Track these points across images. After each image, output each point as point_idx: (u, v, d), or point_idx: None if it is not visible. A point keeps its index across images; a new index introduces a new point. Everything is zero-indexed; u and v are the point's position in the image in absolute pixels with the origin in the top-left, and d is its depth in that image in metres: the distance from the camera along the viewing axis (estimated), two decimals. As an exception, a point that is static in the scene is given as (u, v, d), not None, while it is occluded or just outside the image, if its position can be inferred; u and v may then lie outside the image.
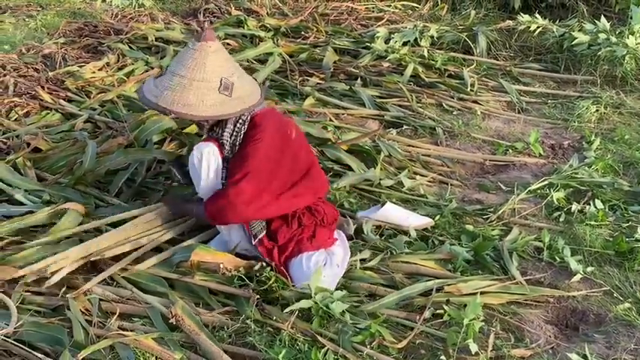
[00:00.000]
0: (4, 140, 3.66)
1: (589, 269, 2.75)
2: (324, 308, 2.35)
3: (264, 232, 2.63)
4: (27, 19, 6.58)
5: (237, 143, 2.58)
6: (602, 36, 4.90)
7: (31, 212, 2.89)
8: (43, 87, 4.39)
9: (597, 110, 4.39)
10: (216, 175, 2.58)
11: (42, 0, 7.43)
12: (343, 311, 2.34)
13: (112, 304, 2.42)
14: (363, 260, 2.73)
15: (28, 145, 3.54)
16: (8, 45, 5.56)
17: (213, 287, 2.51)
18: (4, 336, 2.16)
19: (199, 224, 2.82)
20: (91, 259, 2.57)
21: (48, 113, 4.09)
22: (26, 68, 4.74)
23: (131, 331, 2.28)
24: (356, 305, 2.45)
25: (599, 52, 4.86)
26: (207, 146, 2.56)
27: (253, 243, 2.62)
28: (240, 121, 2.57)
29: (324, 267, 2.55)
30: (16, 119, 3.96)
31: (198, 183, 2.60)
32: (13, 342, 2.16)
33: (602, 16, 5.30)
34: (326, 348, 2.19)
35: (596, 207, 3.15)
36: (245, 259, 2.64)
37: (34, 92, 4.29)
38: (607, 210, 3.17)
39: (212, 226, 2.77)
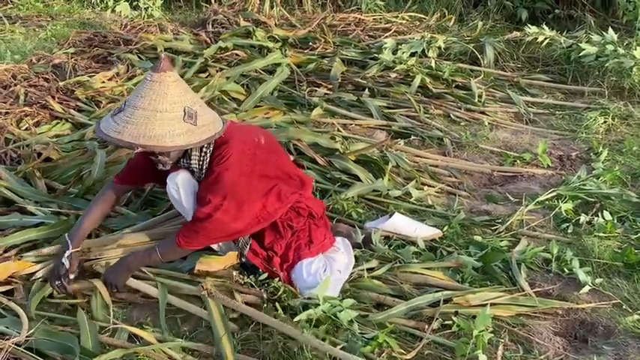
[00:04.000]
0: (15, 150, 3.69)
1: (598, 281, 2.74)
2: (332, 317, 2.36)
3: (249, 246, 2.63)
4: (37, 29, 6.65)
5: (206, 166, 2.55)
6: (610, 47, 4.91)
7: (42, 223, 2.91)
8: (53, 97, 4.43)
9: (605, 121, 4.39)
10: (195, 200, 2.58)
11: (52, 10, 7.51)
12: (351, 320, 2.35)
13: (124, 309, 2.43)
14: (370, 270, 2.74)
15: (39, 155, 3.57)
16: (19, 55, 5.61)
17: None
18: (15, 344, 2.17)
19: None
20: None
21: (58, 123, 4.13)
22: (37, 78, 4.78)
23: (142, 339, 2.29)
24: (364, 315, 2.45)
25: (607, 64, 4.86)
26: (177, 174, 2.55)
27: (244, 260, 2.63)
28: (205, 145, 2.52)
29: (324, 273, 2.56)
30: (26, 129, 3.99)
31: (186, 212, 2.58)
32: (23, 350, 2.17)
33: (610, 27, 5.32)
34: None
35: (604, 218, 3.15)
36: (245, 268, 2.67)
37: (44, 102, 4.33)
38: (615, 221, 3.16)
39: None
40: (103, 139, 2.47)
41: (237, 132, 2.60)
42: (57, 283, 2.50)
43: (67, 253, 2.52)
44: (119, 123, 2.37)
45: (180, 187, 2.54)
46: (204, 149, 2.53)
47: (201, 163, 2.55)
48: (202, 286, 2.43)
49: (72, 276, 2.52)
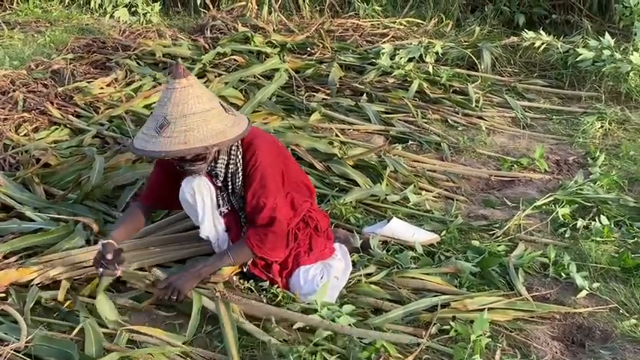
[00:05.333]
0: (14, 155, 3.70)
1: (595, 285, 2.75)
2: (330, 322, 2.36)
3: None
4: (36, 35, 6.67)
5: (239, 170, 2.56)
6: (607, 52, 4.93)
7: (41, 229, 2.92)
8: (52, 102, 4.44)
9: (602, 126, 4.41)
10: (212, 205, 2.58)
11: (50, 16, 7.53)
12: (349, 326, 2.36)
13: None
14: (368, 275, 2.75)
15: (38, 160, 3.58)
16: (17, 61, 5.63)
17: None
18: (15, 350, 2.17)
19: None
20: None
21: (57, 128, 4.14)
22: (35, 84, 4.79)
23: (141, 344, 2.30)
24: (361, 320, 2.45)
25: (604, 69, 4.88)
26: (195, 179, 2.54)
27: (245, 270, 2.63)
28: (234, 148, 2.54)
29: (321, 280, 2.57)
30: (25, 134, 4.00)
31: (197, 217, 2.59)
32: (22, 357, 2.17)
33: (607, 32, 5.33)
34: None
35: (601, 223, 3.16)
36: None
37: (43, 108, 4.34)
38: (612, 226, 3.17)
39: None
40: (165, 157, 2.40)
41: (255, 132, 2.62)
42: (100, 270, 2.46)
43: (101, 242, 2.50)
44: (176, 135, 2.34)
45: (196, 191, 2.54)
46: (232, 152, 2.54)
47: (231, 167, 2.55)
48: (215, 289, 2.45)
49: (119, 268, 2.46)
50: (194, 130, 2.35)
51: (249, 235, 2.52)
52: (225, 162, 2.55)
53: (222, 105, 2.48)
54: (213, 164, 2.55)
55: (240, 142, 2.53)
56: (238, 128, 2.44)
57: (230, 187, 2.59)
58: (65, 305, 2.52)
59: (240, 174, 2.56)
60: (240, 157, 2.55)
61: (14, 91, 4.59)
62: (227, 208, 2.63)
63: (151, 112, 2.60)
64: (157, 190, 2.70)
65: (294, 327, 2.37)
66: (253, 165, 2.52)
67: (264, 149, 2.56)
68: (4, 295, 2.54)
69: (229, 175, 2.57)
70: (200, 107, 2.38)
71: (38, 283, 2.59)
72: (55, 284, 2.62)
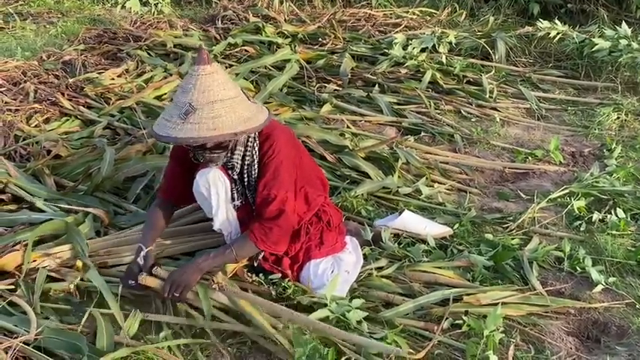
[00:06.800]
0: (25, 147, 3.70)
1: (611, 280, 2.70)
2: (341, 317, 2.34)
3: (262, 252, 2.59)
4: (47, 26, 6.67)
5: (255, 162, 2.52)
6: (623, 42, 4.85)
7: (51, 219, 2.91)
8: (63, 93, 4.44)
9: (618, 117, 4.34)
10: (226, 198, 2.56)
11: (62, 7, 7.53)
12: (360, 320, 2.33)
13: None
14: (379, 268, 2.72)
15: (48, 152, 3.57)
16: (29, 52, 5.63)
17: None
18: (24, 342, 2.16)
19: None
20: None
21: (67, 120, 4.13)
22: (47, 75, 4.79)
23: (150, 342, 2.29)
24: (372, 317, 2.41)
25: (620, 59, 4.80)
26: (210, 171, 2.51)
27: (255, 264, 2.60)
28: (250, 139, 2.52)
29: (331, 274, 2.54)
30: (36, 125, 4.00)
31: (210, 210, 2.56)
32: (32, 349, 2.17)
33: (623, 22, 5.25)
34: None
35: (617, 216, 3.10)
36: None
37: (54, 99, 4.34)
38: (629, 219, 3.12)
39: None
40: (192, 144, 2.34)
41: (273, 124, 2.57)
42: (131, 282, 2.45)
43: (143, 252, 2.50)
44: (204, 122, 2.29)
45: (210, 184, 2.51)
46: (249, 144, 2.51)
47: (244, 158, 2.52)
48: (213, 280, 2.42)
49: (143, 275, 2.46)
50: (222, 116, 2.31)
51: (254, 228, 2.48)
52: (242, 154, 2.52)
53: (244, 93, 2.46)
54: (229, 155, 2.51)
55: (257, 133, 2.50)
56: (262, 116, 2.42)
57: (245, 180, 2.56)
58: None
59: (256, 166, 2.53)
60: (256, 148, 2.52)
61: (25, 82, 4.60)
62: (241, 202, 2.61)
63: (171, 99, 2.55)
64: (173, 182, 2.66)
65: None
66: (270, 156, 2.49)
67: (282, 141, 2.52)
68: (13, 286, 2.53)
69: (245, 167, 2.54)
70: (226, 94, 2.34)
71: (46, 267, 2.59)
72: (64, 275, 2.61)
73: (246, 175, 2.55)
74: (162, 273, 2.48)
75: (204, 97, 2.31)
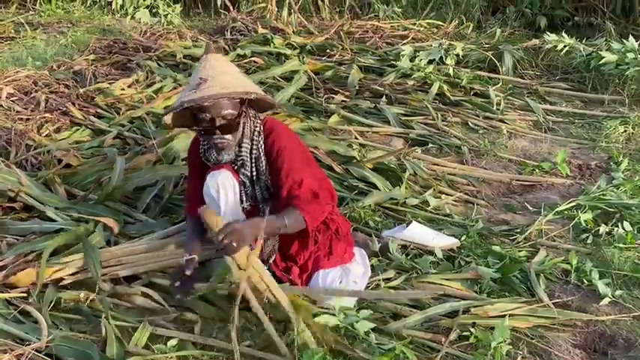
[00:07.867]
0: (36, 156, 3.73)
1: (617, 293, 2.71)
2: (349, 327, 2.35)
3: (274, 256, 2.62)
4: (58, 36, 6.73)
5: (261, 155, 2.59)
6: (630, 55, 4.86)
7: (62, 229, 2.94)
8: (73, 103, 4.48)
9: (625, 130, 4.34)
10: (235, 201, 2.59)
11: (72, 17, 7.60)
12: (368, 331, 2.34)
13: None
14: (387, 279, 2.73)
15: (59, 161, 3.61)
16: (40, 61, 5.69)
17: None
18: (35, 350, 2.19)
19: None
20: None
21: (78, 129, 4.17)
22: (57, 84, 4.84)
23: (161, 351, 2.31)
24: (380, 329, 2.42)
25: (627, 72, 4.82)
26: (220, 174, 2.56)
27: (267, 266, 2.61)
28: (256, 133, 2.58)
29: (339, 284, 2.56)
30: (47, 135, 4.04)
31: (219, 211, 2.57)
32: (43, 357, 2.19)
33: (630, 35, 5.27)
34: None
35: (624, 229, 3.11)
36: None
37: (64, 108, 4.38)
38: (635, 232, 3.12)
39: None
40: (205, 104, 2.39)
41: (273, 121, 2.68)
42: (183, 290, 2.49)
43: (185, 257, 2.56)
44: (216, 85, 2.43)
45: (220, 186, 2.55)
46: (254, 138, 2.58)
47: (252, 152, 2.59)
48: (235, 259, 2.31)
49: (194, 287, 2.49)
50: (233, 81, 2.48)
51: (304, 210, 2.45)
52: (249, 147, 2.58)
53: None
54: (238, 151, 2.57)
55: (262, 127, 2.60)
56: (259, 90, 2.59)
57: (255, 175, 2.61)
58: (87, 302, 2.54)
59: (263, 159, 2.59)
60: (262, 142, 2.59)
61: (36, 91, 4.65)
62: (249, 204, 2.64)
63: (187, 83, 2.72)
64: (196, 197, 2.65)
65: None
66: (278, 148, 2.56)
67: (286, 133, 2.63)
68: (25, 295, 2.56)
69: (253, 161, 2.60)
70: (234, 70, 2.60)
71: (58, 282, 2.61)
72: (74, 284, 2.64)
73: (255, 170, 2.60)
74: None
75: (215, 70, 2.51)
